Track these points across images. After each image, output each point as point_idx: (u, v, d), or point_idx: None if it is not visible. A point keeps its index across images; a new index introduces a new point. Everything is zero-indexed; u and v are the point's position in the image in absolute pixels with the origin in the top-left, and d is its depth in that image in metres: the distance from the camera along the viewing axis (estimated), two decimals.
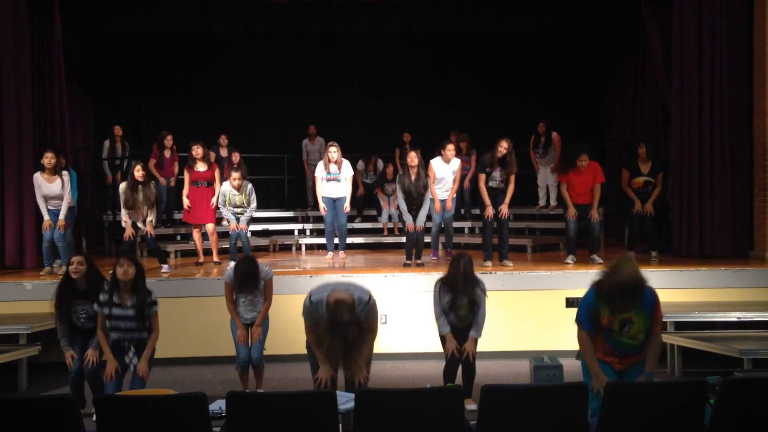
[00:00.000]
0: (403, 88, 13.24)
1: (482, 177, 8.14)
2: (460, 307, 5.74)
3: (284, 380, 6.68)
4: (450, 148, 8.49)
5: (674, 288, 7.44)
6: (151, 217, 8.02)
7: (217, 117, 12.90)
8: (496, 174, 8.12)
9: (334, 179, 8.65)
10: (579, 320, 4.52)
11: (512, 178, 8.14)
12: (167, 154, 10.42)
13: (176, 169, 10.56)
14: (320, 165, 8.78)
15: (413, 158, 8.09)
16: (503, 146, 8.02)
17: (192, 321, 7.32)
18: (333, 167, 8.63)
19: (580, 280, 6.79)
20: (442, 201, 8.48)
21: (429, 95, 13.45)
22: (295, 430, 3.62)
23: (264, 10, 10.71)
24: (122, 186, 8.08)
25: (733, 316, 6.84)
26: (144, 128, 12.72)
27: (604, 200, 9.19)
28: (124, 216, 8.01)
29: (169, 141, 10.48)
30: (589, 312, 4.44)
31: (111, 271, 5.13)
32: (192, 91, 13.15)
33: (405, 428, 3.64)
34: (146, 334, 5.12)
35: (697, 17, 8.50)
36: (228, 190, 8.35)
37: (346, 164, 8.76)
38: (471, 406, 5.43)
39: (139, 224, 8.01)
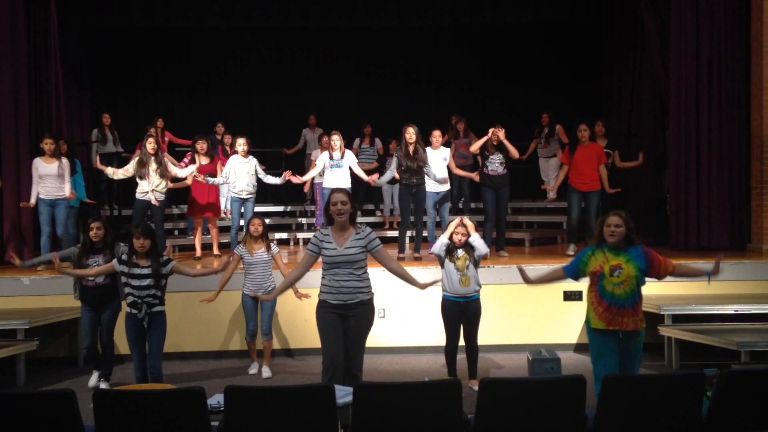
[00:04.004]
0: (401, 82, 13.24)
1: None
2: (457, 258, 5.88)
3: (291, 374, 6.71)
4: (436, 135, 8.47)
5: (671, 281, 7.41)
6: (162, 186, 8.20)
7: (213, 111, 12.85)
8: (495, 158, 8.17)
9: (336, 165, 8.60)
10: (564, 267, 4.91)
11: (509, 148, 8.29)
12: None
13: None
14: (324, 153, 8.77)
15: (411, 134, 8.06)
16: (501, 135, 8.15)
17: (191, 316, 7.31)
18: (336, 154, 8.61)
19: None
20: (438, 193, 8.44)
21: (426, 88, 13.42)
22: (294, 424, 3.62)
23: (261, 4, 10.67)
24: (136, 159, 8.27)
25: (730, 309, 6.85)
26: (140, 122, 12.69)
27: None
28: (112, 171, 8.33)
29: (152, 134, 10.52)
30: (578, 261, 4.80)
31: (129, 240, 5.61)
32: (188, 85, 13.13)
33: (403, 422, 3.64)
34: (160, 293, 5.55)
35: (694, 9, 8.48)
36: (234, 160, 8.44)
37: (349, 153, 8.75)
38: (476, 387, 5.46)
39: (150, 195, 8.14)
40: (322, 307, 4.89)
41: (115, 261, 5.62)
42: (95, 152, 10.86)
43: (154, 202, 8.13)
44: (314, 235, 4.93)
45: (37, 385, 6.37)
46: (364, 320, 4.86)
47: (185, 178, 8.69)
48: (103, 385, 6.18)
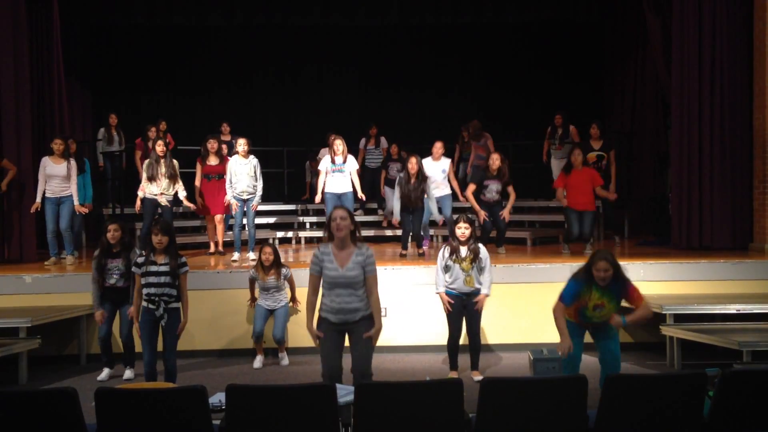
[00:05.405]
0: (403, 80, 13.21)
1: (471, 186, 8.42)
2: (463, 260, 5.96)
3: (293, 373, 6.72)
4: (437, 147, 8.82)
5: (673, 280, 7.44)
6: (183, 192, 8.37)
7: (215, 109, 12.88)
8: (493, 186, 8.37)
9: (338, 170, 8.64)
10: (562, 296, 5.09)
11: (510, 188, 8.46)
12: (151, 145, 10.42)
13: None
14: (326, 158, 8.81)
15: (413, 164, 8.15)
16: (496, 159, 8.35)
17: (193, 314, 7.28)
18: (338, 159, 8.64)
19: None
20: (439, 197, 8.62)
21: (428, 87, 13.40)
22: (295, 422, 3.62)
23: (262, 3, 10.67)
24: (146, 162, 8.47)
25: (732, 309, 6.82)
26: (142, 121, 12.69)
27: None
28: (140, 190, 8.36)
29: (153, 133, 10.59)
30: (574, 293, 5.03)
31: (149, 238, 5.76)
32: (190, 83, 13.13)
33: (404, 421, 3.64)
34: (176, 292, 5.64)
35: (697, 9, 8.47)
36: (235, 161, 8.47)
37: (351, 158, 8.79)
38: (478, 377, 5.70)
39: (157, 196, 8.23)
40: (323, 324, 4.86)
41: (134, 269, 5.70)
42: (99, 151, 10.91)
43: (164, 203, 8.26)
44: (314, 254, 4.87)
45: (39, 384, 6.36)
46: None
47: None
48: (128, 372, 6.46)
